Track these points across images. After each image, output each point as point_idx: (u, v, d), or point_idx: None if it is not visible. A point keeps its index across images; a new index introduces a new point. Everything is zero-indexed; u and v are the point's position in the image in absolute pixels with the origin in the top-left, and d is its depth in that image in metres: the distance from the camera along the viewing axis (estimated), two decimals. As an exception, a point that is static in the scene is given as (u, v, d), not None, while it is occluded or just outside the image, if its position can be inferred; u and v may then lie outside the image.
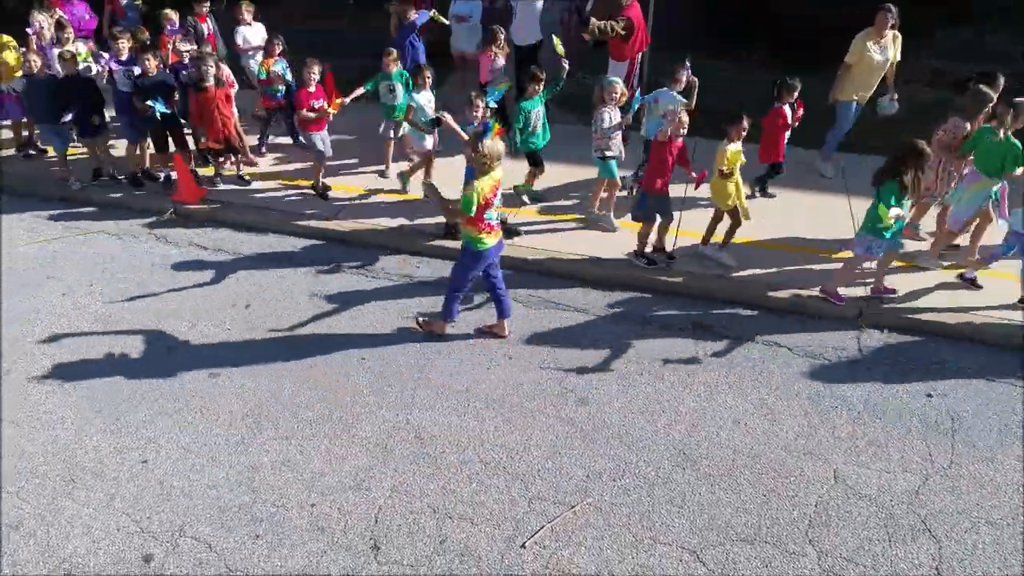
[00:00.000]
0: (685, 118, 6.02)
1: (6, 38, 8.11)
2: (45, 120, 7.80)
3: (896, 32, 7.54)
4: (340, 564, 4.00)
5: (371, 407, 5.11)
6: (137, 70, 7.43)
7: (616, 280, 6.46)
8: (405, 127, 7.68)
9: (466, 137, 6.11)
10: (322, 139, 7.57)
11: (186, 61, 7.98)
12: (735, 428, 4.90)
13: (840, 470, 4.57)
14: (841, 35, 7.96)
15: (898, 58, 7.66)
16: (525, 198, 7.58)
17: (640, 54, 8.37)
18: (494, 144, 5.08)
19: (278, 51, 8.08)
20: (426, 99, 7.32)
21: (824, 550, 4.05)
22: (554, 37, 7.18)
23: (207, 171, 8.10)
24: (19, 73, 7.92)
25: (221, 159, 7.96)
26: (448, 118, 6.51)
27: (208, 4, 8.93)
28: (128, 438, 4.86)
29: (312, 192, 7.80)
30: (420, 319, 5.87)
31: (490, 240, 5.28)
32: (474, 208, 5.02)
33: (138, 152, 8.10)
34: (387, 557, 4.04)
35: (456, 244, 6.14)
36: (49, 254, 7.02)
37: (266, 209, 7.61)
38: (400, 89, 7.70)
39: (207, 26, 8.92)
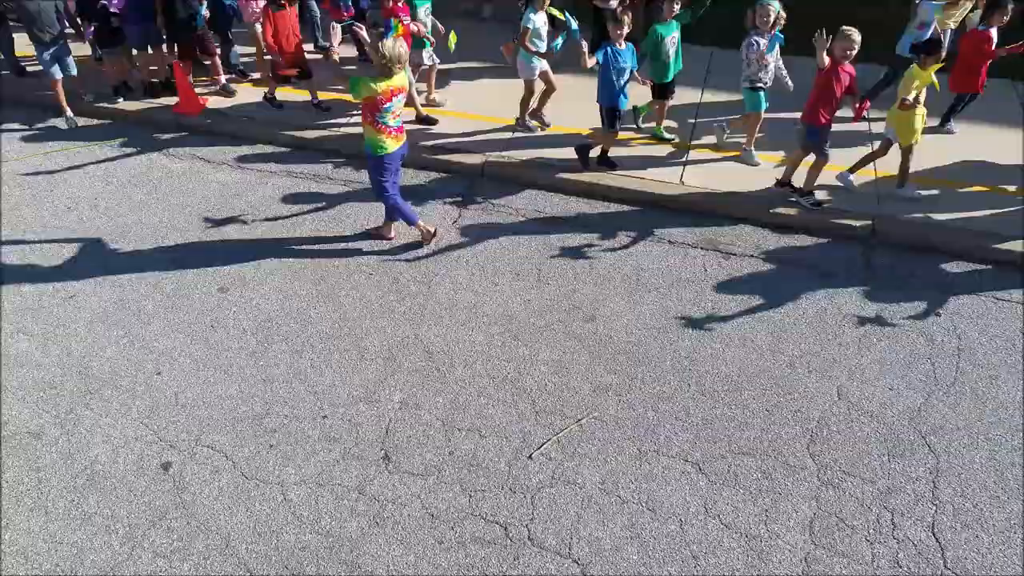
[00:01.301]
0: (857, 36, 5.39)
1: None
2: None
3: None
4: (353, 473, 4.13)
5: (380, 322, 5.15)
6: None
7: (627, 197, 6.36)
8: (522, 54, 6.67)
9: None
10: (430, 55, 7.15)
11: None
12: (741, 345, 4.93)
13: (844, 387, 4.62)
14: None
15: None
16: (640, 122, 7.05)
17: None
18: (395, 45, 5.01)
19: None
20: (541, 21, 6.53)
21: (824, 463, 4.14)
22: None
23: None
24: None
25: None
26: (361, 30, 5.95)
27: None
28: (141, 351, 4.94)
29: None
30: (370, 229, 5.98)
31: (390, 144, 5.29)
32: (359, 91, 5.01)
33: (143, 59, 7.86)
34: (397, 467, 4.16)
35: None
36: (55, 166, 6.93)
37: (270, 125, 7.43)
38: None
39: None
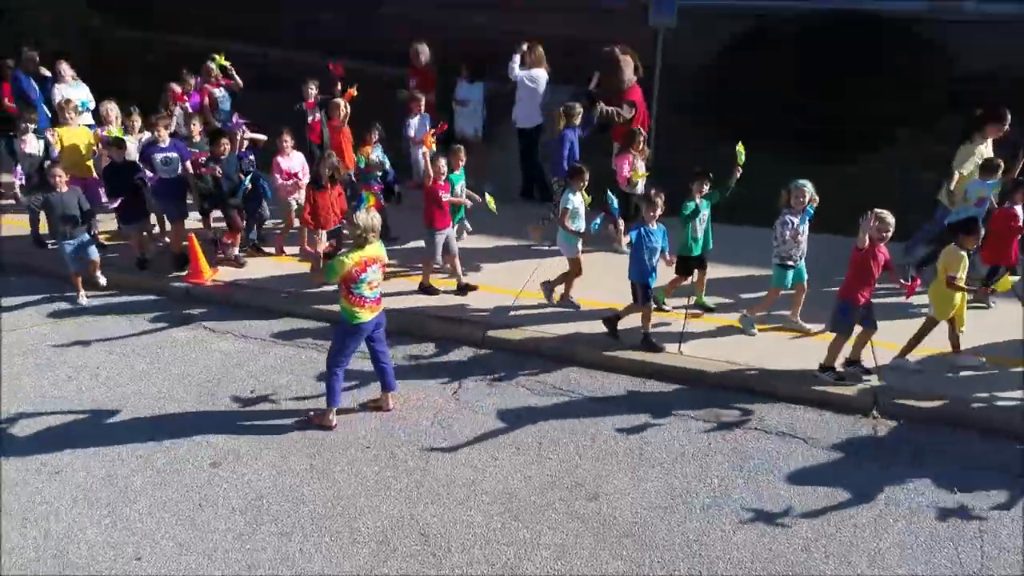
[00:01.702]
0: (891, 219, 5.59)
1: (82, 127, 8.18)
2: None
3: None
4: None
5: (374, 500, 4.95)
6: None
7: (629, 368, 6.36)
8: (561, 234, 6.90)
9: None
10: (447, 237, 7.22)
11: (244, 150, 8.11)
12: (752, 526, 4.70)
13: (865, 574, 4.35)
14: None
15: None
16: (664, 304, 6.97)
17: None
18: (368, 217, 5.22)
19: (375, 138, 7.95)
20: (580, 201, 6.75)
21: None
22: (739, 146, 6.52)
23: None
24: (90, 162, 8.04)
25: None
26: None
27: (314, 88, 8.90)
28: (123, 532, 4.71)
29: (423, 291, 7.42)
30: (311, 412, 5.79)
31: (365, 315, 5.30)
32: (336, 277, 5.15)
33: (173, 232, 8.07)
34: (387, 669, 3.81)
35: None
36: (61, 336, 7.00)
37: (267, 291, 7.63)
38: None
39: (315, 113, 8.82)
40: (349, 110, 8.50)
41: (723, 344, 6.54)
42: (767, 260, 6.56)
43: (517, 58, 8.90)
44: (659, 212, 6.15)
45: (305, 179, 7.91)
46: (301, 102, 8.77)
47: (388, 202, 8.39)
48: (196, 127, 8.10)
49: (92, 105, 8.80)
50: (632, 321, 6.48)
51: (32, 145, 8.04)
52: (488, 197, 7.26)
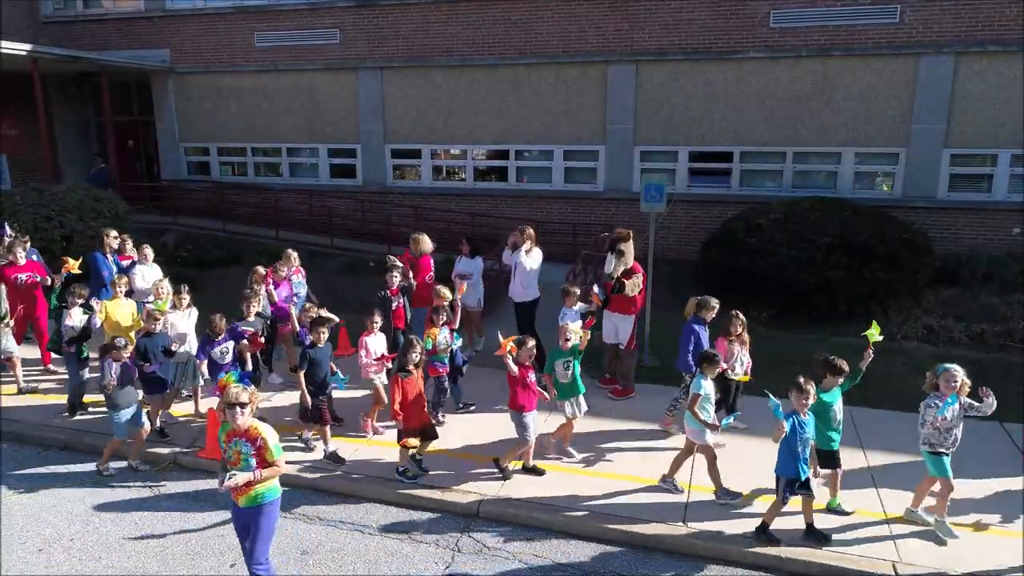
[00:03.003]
0: None
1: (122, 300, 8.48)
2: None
3: None
4: None
5: None
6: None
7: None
8: (690, 419, 6.54)
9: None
10: (534, 419, 6.93)
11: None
12: None
13: None
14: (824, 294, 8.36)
15: None
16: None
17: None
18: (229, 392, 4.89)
19: (443, 320, 7.93)
20: (711, 387, 6.54)
21: None
22: (874, 323, 6.49)
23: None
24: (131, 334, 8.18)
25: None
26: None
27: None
28: None
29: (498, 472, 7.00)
30: None
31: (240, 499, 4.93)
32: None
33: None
34: None
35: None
36: (38, 505, 6.74)
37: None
38: (574, 366, 7.19)
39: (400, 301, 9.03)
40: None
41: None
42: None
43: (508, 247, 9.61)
44: (811, 400, 5.78)
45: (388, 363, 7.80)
46: (385, 289, 8.87)
47: (455, 383, 8.39)
48: (255, 307, 8.14)
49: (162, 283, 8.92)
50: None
51: (76, 319, 8.33)
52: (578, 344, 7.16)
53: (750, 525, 6.09)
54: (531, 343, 6.93)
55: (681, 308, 7.95)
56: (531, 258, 9.40)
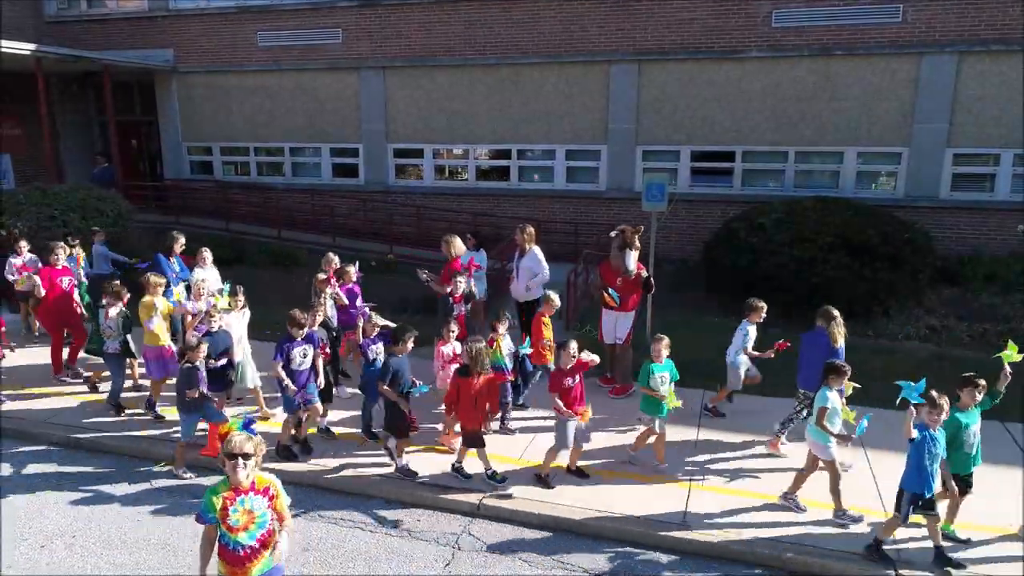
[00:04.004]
0: None
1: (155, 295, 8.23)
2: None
3: None
4: None
5: None
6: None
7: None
8: (814, 433, 6.19)
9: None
10: (577, 428, 6.68)
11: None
12: None
13: None
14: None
15: None
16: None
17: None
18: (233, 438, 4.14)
19: (503, 327, 7.68)
20: (837, 400, 6.14)
21: None
22: (1010, 342, 6.08)
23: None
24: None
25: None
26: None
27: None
28: None
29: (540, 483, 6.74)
30: None
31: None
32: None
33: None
34: None
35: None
36: (40, 501, 6.77)
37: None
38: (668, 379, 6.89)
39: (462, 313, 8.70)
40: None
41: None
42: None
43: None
44: (943, 416, 5.51)
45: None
46: (449, 296, 8.64)
47: (519, 394, 8.27)
48: (320, 317, 7.83)
49: (221, 287, 8.76)
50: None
51: (113, 316, 8.23)
52: (670, 392, 6.78)
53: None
54: (573, 345, 6.58)
55: (682, 307, 7.98)
56: (531, 259, 9.38)
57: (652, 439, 7.02)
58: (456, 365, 7.26)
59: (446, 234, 9.53)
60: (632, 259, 8.61)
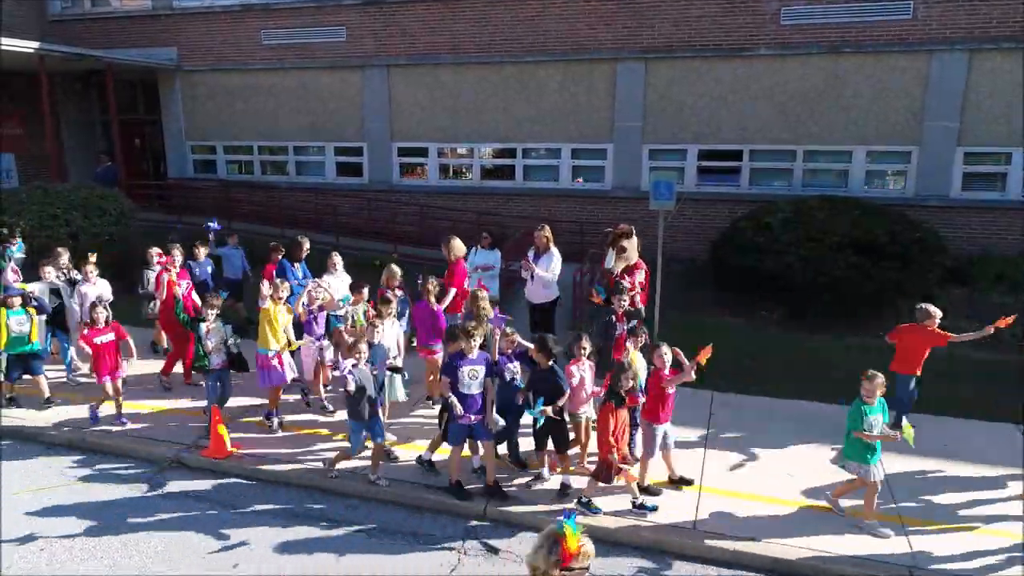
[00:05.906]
0: None
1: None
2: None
3: None
4: None
5: None
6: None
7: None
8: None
9: None
10: (664, 431, 6.49)
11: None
12: None
13: None
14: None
15: None
16: None
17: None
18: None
19: (641, 342, 7.05)
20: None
21: None
22: (905, 422, 6.14)
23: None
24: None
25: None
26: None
27: None
28: None
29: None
30: None
31: None
32: None
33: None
34: None
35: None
36: (40, 503, 6.67)
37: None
38: None
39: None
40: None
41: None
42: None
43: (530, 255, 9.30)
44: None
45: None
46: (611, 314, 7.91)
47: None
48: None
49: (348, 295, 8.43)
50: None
51: (212, 328, 7.67)
52: (906, 425, 6.12)
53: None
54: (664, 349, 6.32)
55: (690, 308, 7.84)
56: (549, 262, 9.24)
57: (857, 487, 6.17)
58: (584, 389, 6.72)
59: (446, 234, 9.42)
60: (612, 258, 8.52)
